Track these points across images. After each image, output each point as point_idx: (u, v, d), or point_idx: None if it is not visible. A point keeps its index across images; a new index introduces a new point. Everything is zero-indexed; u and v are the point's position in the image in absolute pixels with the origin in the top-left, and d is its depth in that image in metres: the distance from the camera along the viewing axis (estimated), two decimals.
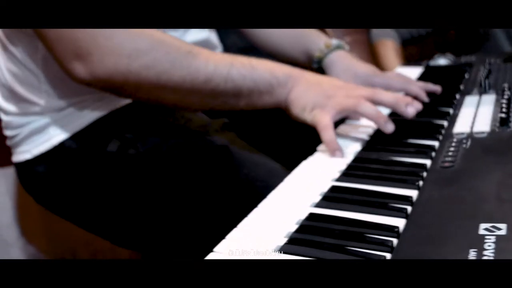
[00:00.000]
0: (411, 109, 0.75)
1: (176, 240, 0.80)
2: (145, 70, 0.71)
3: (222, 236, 0.52)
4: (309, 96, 0.76)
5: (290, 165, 0.76)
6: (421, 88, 0.91)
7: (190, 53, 0.73)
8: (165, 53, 0.71)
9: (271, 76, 0.76)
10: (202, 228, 0.78)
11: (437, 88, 0.93)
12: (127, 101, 0.83)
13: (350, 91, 0.76)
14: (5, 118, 0.86)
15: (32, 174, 0.85)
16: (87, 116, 0.82)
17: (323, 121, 0.73)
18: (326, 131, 0.72)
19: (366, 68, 0.95)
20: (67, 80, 0.73)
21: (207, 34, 0.93)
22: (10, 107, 0.84)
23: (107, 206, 0.82)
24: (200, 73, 0.72)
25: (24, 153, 0.84)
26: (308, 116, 0.75)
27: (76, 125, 0.81)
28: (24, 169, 0.86)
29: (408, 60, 1.68)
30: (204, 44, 0.91)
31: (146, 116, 0.83)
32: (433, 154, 0.67)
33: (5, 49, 0.82)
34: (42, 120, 0.82)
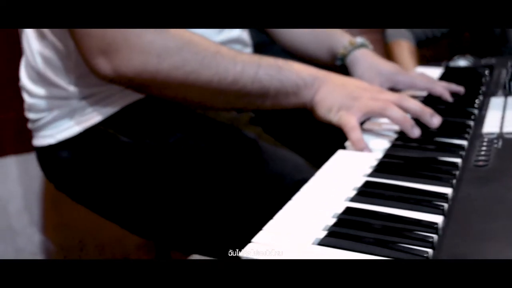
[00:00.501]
0: (436, 120, 0.75)
1: (205, 233, 0.80)
2: (174, 70, 0.71)
3: (251, 229, 0.52)
4: (335, 98, 0.76)
5: (314, 161, 0.75)
6: (445, 88, 0.91)
7: (219, 53, 0.73)
8: (194, 53, 0.72)
9: (298, 77, 0.77)
10: (230, 221, 0.77)
11: (460, 89, 0.93)
12: None
13: (375, 93, 0.77)
14: (29, 100, 0.85)
15: (55, 159, 0.84)
16: (114, 104, 0.81)
17: (350, 122, 0.73)
18: (353, 132, 0.73)
19: (389, 66, 0.95)
20: None
21: (240, 32, 0.93)
22: (37, 89, 0.84)
23: (131, 196, 0.81)
24: (228, 73, 0.73)
25: (47, 137, 0.84)
26: (334, 118, 0.76)
27: (103, 113, 0.81)
28: (46, 154, 0.85)
29: (423, 62, 1.67)
30: (237, 41, 0.91)
31: (175, 107, 0.82)
32: (463, 153, 0.67)
33: (41, 33, 0.82)
34: (68, 106, 0.82)
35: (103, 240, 1.52)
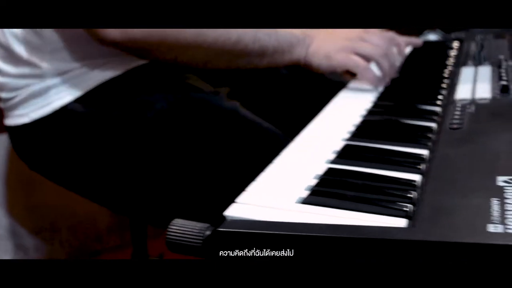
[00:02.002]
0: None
1: (186, 203, 0.79)
2: (183, 32, 0.73)
3: (231, 195, 0.52)
4: (329, 44, 0.83)
5: (289, 133, 0.76)
6: (406, 43, 0.99)
7: None
8: None
9: (292, 36, 0.82)
10: (212, 188, 0.77)
11: (418, 42, 1.03)
12: (136, 64, 0.82)
13: (365, 36, 0.84)
14: (1, 79, 0.83)
15: (29, 139, 0.82)
16: (92, 80, 0.80)
17: (352, 60, 0.81)
18: (358, 65, 0.80)
19: (349, 32, 0.97)
20: (75, 42, 0.72)
21: None
22: (8, 68, 0.81)
23: (112, 172, 0.80)
24: (232, 34, 0.76)
25: (20, 116, 0.81)
26: (333, 62, 0.82)
27: (80, 89, 0.79)
28: (20, 133, 0.83)
29: None
30: None
31: (154, 80, 0.82)
32: (437, 118, 0.68)
33: None
34: (42, 83, 0.80)
35: (75, 222, 1.50)
